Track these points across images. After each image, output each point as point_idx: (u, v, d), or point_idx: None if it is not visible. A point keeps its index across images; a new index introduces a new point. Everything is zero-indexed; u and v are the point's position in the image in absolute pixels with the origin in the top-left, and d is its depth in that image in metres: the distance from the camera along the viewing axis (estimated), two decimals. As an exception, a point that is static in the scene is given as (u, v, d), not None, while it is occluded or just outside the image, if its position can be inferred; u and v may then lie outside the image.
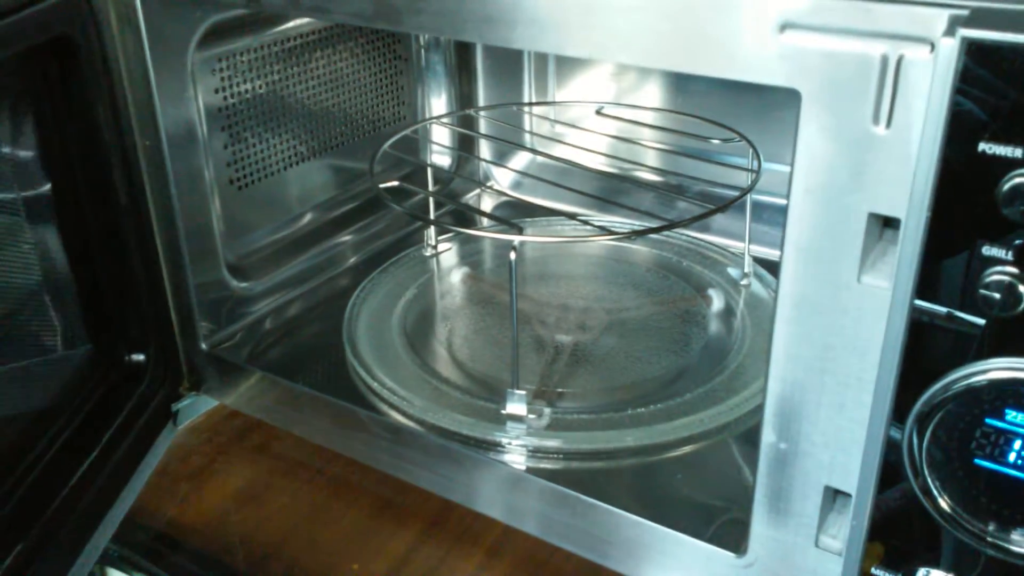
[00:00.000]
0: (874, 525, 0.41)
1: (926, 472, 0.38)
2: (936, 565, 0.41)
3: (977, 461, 0.37)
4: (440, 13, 0.47)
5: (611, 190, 0.88)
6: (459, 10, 0.46)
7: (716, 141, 0.78)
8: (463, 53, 0.93)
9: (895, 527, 0.41)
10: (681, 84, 0.88)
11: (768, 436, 0.44)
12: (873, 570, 0.42)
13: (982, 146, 0.33)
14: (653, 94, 0.90)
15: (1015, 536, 0.37)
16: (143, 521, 0.66)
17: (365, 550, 0.62)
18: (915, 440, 0.38)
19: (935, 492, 0.38)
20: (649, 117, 0.87)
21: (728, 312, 0.74)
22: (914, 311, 0.37)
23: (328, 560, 0.62)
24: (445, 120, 0.92)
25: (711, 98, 0.85)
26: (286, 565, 0.62)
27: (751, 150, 0.73)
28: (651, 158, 0.88)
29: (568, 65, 0.94)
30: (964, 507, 0.38)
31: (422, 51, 0.92)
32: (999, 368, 0.35)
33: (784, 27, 0.38)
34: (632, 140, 0.85)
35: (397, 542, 0.63)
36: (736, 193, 0.67)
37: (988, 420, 0.36)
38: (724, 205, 0.64)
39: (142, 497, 0.65)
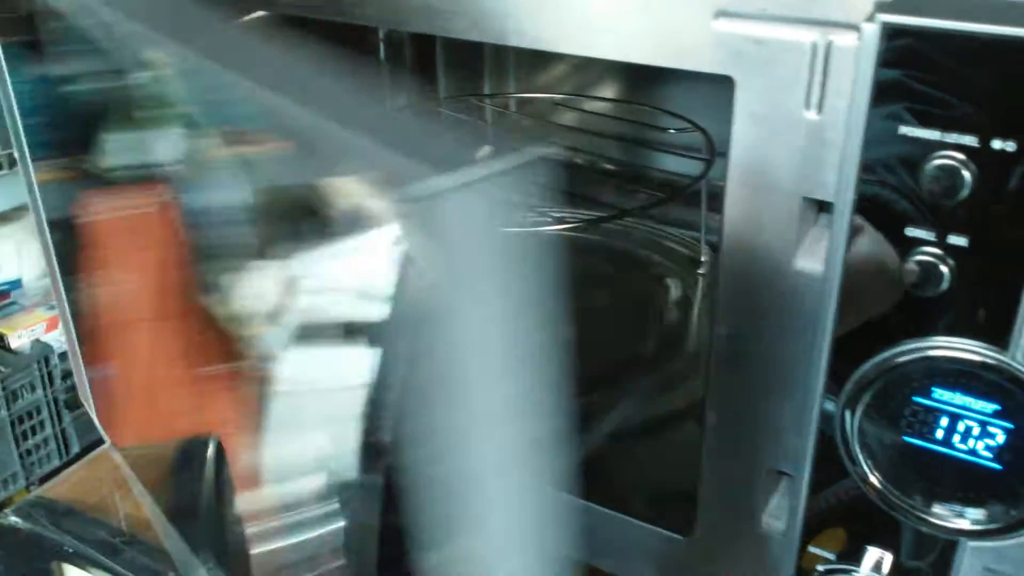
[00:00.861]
0: (813, 505, 0.42)
1: (858, 451, 0.39)
2: (875, 543, 0.41)
3: (906, 439, 0.38)
4: (382, 3, 0.47)
5: (573, 182, 0.88)
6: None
7: (672, 131, 0.78)
8: (423, 46, 0.94)
9: (834, 507, 0.42)
10: (643, 75, 0.88)
11: (711, 419, 0.45)
12: (812, 549, 0.43)
13: (903, 129, 0.34)
14: (617, 87, 0.90)
15: (937, 510, 0.38)
16: (100, 516, 0.66)
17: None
18: (848, 421, 0.39)
19: (867, 470, 0.39)
20: (609, 109, 0.87)
21: (685, 300, 0.75)
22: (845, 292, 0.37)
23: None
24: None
25: (676, 88, 0.86)
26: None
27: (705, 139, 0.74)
28: (613, 150, 0.88)
29: (529, 58, 0.94)
30: (895, 484, 0.39)
31: (380, 44, 0.92)
32: (925, 348, 0.36)
33: (718, 14, 0.38)
34: (593, 132, 0.85)
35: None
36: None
37: (916, 398, 0.37)
38: (675, 193, 0.64)
39: (99, 492, 0.65)
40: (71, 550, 0.64)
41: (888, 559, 0.41)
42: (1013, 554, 0.37)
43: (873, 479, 0.39)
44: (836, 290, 0.37)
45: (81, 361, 0.69)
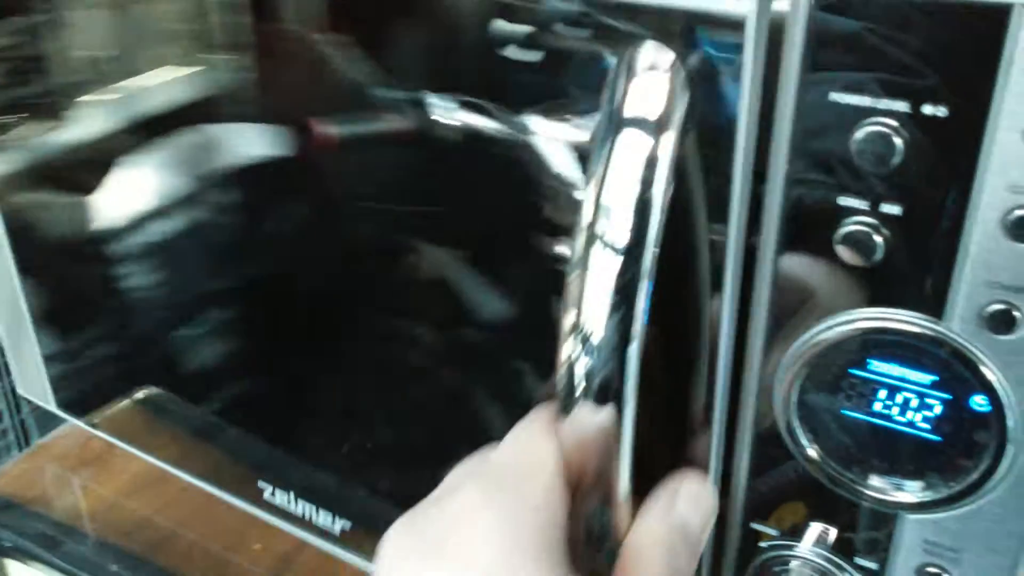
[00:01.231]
0: (757, 484, 0.42)
1: (798, 426, 0.38)
2: (818, 518, 0.41)
3: (844, 412, 0.37)
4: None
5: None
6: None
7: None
8: None
9: (777, 484, 0.41)
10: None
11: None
12: (755, 526, 0.42)
13: (834, 96, 0.33)
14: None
15: (877, 483, 0.38)
16: (39, 510, 0.64)
17: (268, 530, 0.61)
18: (785, 393, 0.38)
19: (807, 445, 0.38)
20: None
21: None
22: (779, 266, 0.37)
23: (230, 540, 0.61)
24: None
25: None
26: (186, 546, 0.60)
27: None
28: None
29: None
30: (835, 458, 0.38)
31: None
32: (860, 319, 0.35)
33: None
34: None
35: (301, 520, 0.62)
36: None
37: (852, 371, 0.36)
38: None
39: (38, 486, 0.63)
40: (9, 544, 0.62)
41: (832, 533, 0.41)
42: (952, 526, 0.37)
43: (813, 453, 0.38)
44: (771, 262, 0.37)
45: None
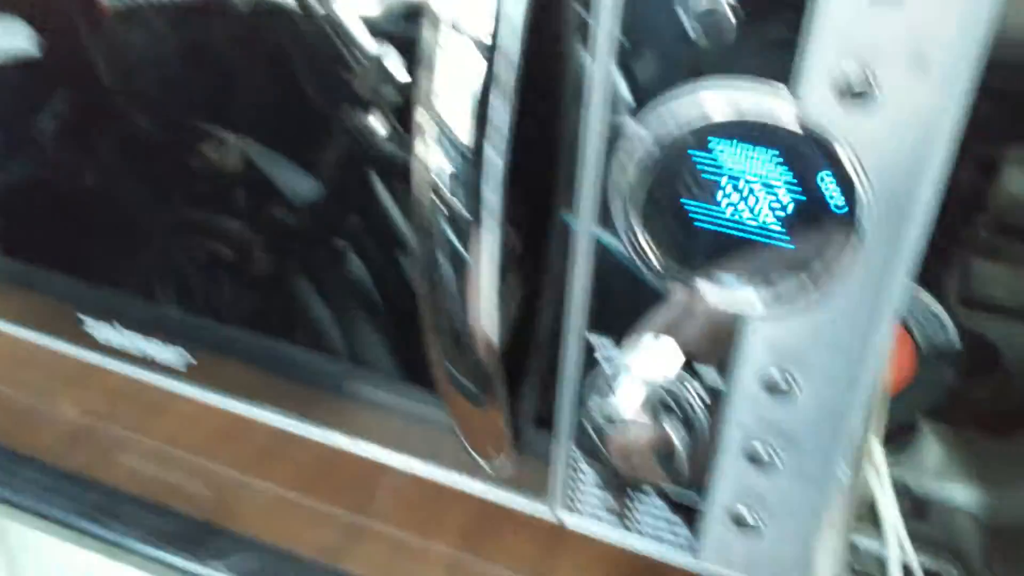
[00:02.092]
0: (595, 288, 0.37)
1: (638, 226, 0.34)
2: (658, 328, 0.37)
3: (687, 208, 0.33)
4: None
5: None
6: None
7: None
8: None
9: (616, 291, 0.37)
10: None
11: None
12: (590, 335, 0.38)
13: None
14: None
15: (722, 288, 0.34)
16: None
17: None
18: (627, 192, 0.33)
19: (647, 248, 0.34)
20: None
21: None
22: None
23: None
24: None
25: None
26: None
27: None
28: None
29: None
30: (678, 261, 0.34)
31: None
32: (705, 87, 0.30)
33: None
34: None
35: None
36: None
37: (697, 160, 0.32)
38: None
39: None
40: None
41: (675, 345, 0.37)
42: (798, 329, 0.34)
43: (652, 255, 0.34)
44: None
45: None
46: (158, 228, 0.49)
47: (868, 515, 0.86)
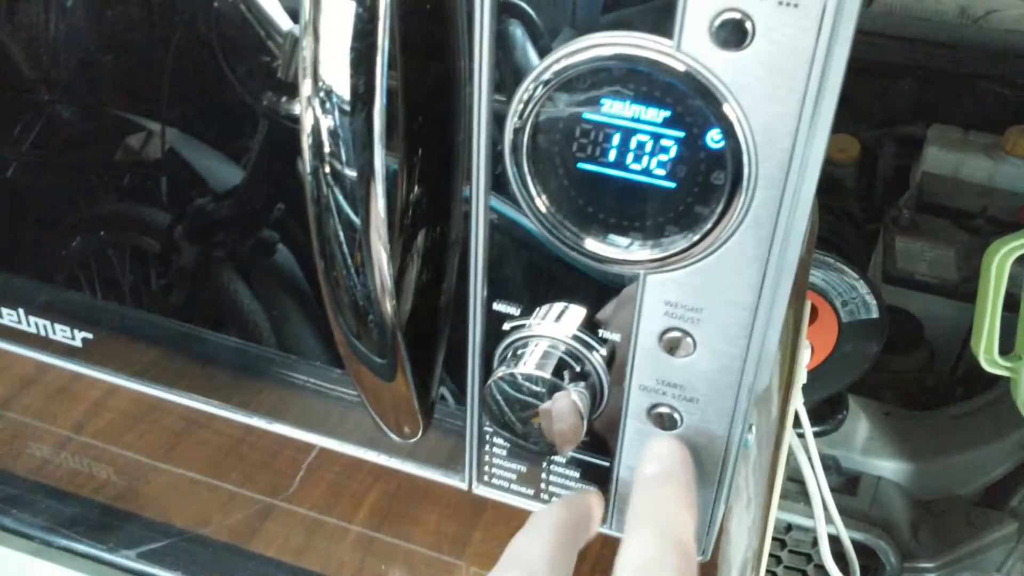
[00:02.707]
0: (495, 259, 0.37)
1: (530, 180, 0.34)
2: (557, 293, 0.37)
3: (577, 164, 0.33)
4: None
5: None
6: None
7: None
8: None
9: (515, 259, 0.37)
10: None
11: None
12: (497, 306, 0.38)
13: None
14: None
15: (615, 242, 0.34)
16: None
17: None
18: (517, 145, 0.33)
19: (539, 203, 0.34)
20: None
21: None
22: None
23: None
24: None
25: None
26: None
27: None
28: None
29: None
30: (569, 217, 0.34)
31: None
32: (590, 45, 0.30)
33: None
34: None
35: None
36: None
37: (585, 115, 0.32)
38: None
39: None
40: None
41: (574, 308, 0.37)
42: (692, 282, 0.34)
43: (541, 207, 0.34)
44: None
45: None
46: (74, 218, 0.48)
47: (801, 493, 0.87)
